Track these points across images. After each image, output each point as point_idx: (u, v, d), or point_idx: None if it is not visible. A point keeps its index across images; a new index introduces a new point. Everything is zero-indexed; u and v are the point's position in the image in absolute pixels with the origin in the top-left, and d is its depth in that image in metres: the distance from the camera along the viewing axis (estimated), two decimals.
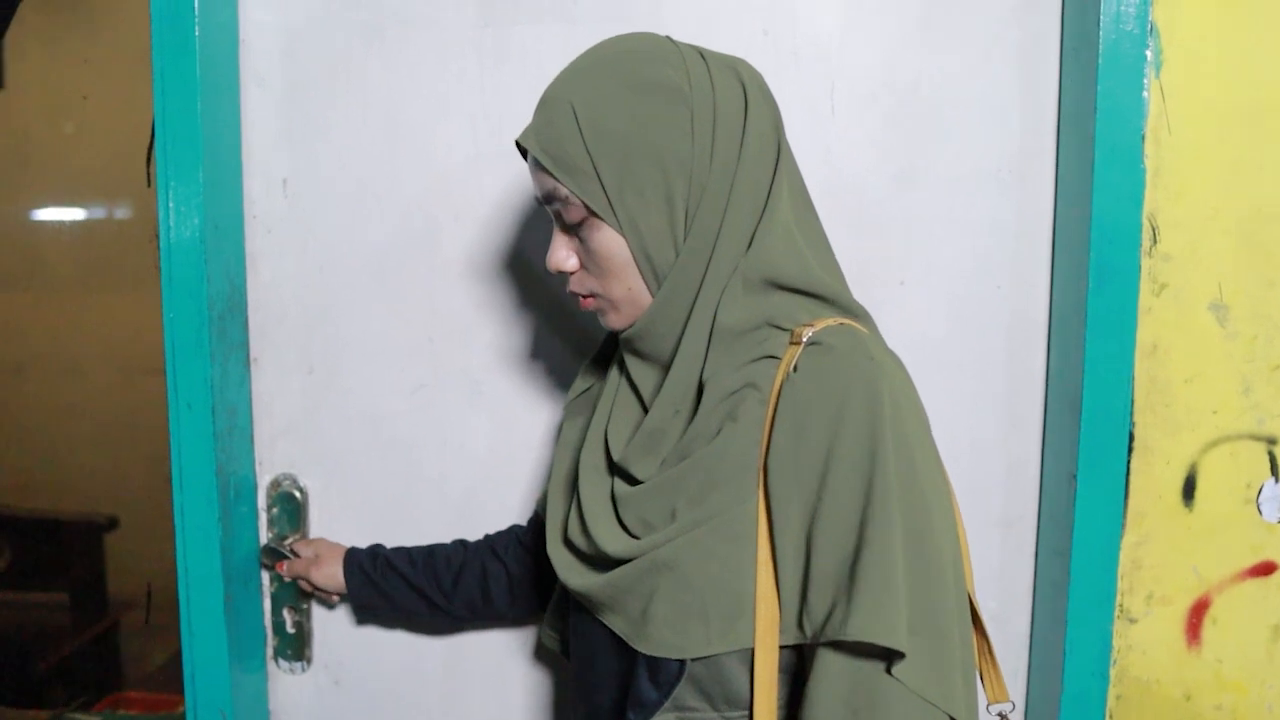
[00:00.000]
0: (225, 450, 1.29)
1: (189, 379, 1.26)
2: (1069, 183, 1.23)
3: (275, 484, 1.37)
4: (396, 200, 1.33)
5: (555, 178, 0.88)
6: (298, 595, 1.38)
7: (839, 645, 0.80)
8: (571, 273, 0.93)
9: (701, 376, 0.89)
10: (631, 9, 1.28)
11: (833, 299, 0.91)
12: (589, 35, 1.28)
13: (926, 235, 1.28)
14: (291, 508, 1.36)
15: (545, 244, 1.31)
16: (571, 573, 0.96)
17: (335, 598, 1.34)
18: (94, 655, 1.97)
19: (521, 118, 1.30)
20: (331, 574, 1.29)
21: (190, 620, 1.29)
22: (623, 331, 0.93)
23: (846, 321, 0.90)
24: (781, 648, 0.85)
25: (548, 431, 1.35)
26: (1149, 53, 1.16)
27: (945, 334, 1.29)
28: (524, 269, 1.33)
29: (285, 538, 1.36)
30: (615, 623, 0.92)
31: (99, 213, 1.57)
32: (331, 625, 1.41)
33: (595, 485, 0.95)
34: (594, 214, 0.88)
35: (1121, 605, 1.24)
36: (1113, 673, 1.25)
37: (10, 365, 1.77)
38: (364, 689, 1.41)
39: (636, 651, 0.90)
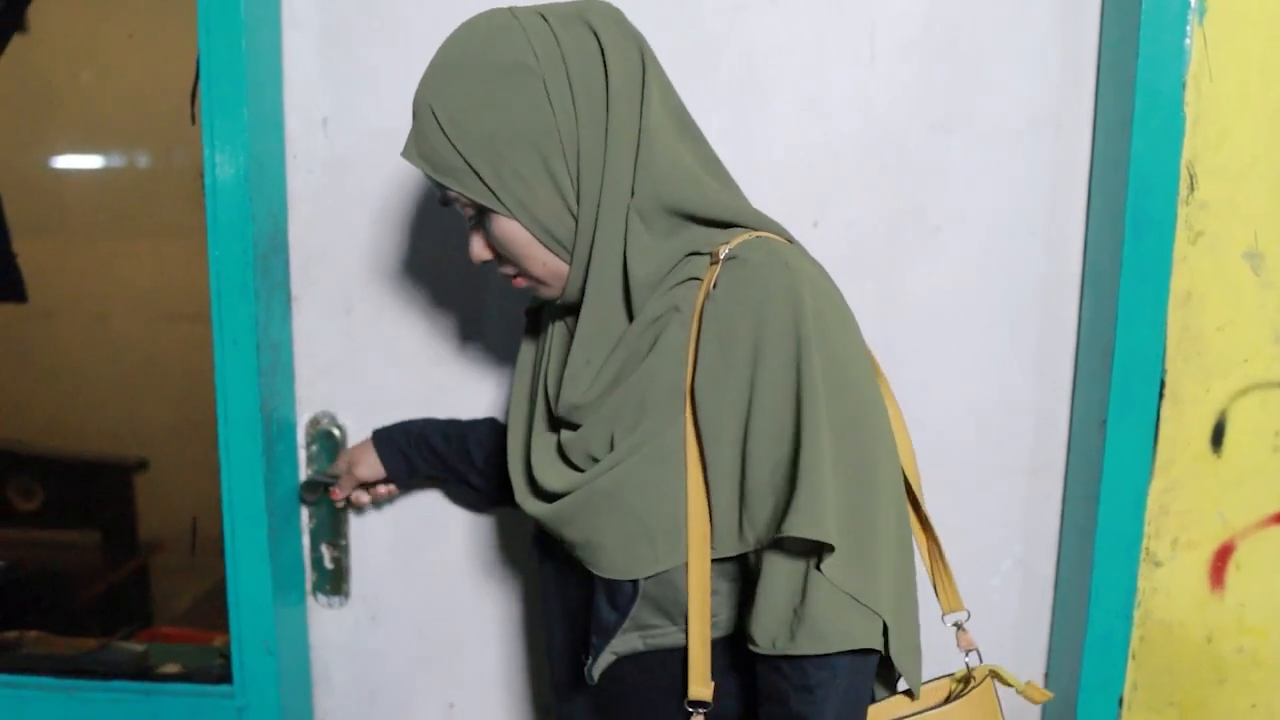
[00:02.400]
0: (269, 387, 1.31)
1: (234, 317, 1.28)
2: (1108, 131, 1.23)
3: (314, 422, 1.39)
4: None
5: (439, 183, 0.91)
6: (336, 531, 1.41)
7: (779, 545, 0.85)
8: (491, 260, 0.96)
9: (622, 315, 0.92)
10: None
11: (744, 222, 0.92)
12: None
13: (963, 184, 1.29)
14: (329, 445, 1.39)
15: None
16: (525, 498, 1.00)
17: (384, 490, 1.33)
18: (128, 592, 2.00)
19: None
20: (372, 464, 1.29)
21: (236, 554, 1.32)
22: (559, 300, 0.96)
23: (763, 234, 0.91)
24: (728, 559, 0.90)
25: None
26: (1193, 1, 1.16)
27: (978, 281, 1.31)
28: None
29: (323, 472, 1.38)
30: (571, 551, 0.96)
31: (128, 160, 1.58)
32: (369, 561, 1.44)
33: (540, 433, 1.00)
34: (485, 208, 0.90)
35: (1147, 549, 1.26)
36: (1137, 615, 1.27)
37: (40, 311, 1.79)
38: (400, 623, 1.45)
39: (594, 577, 0.93)
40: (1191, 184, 1.19)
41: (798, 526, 0.81)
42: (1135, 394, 1.22)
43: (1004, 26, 1.26)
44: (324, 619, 1.46)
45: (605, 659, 0.93)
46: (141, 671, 1.45)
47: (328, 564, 1.42)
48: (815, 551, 0.84)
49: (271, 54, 1.32)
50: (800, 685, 0.85)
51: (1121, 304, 1.20)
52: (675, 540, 0.89)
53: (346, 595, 1.44)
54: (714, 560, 0.90)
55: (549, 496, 0.96)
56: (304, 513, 1.42)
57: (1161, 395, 1.23)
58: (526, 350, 1.11)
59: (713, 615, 0.92)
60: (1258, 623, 1.28)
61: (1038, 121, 1.27)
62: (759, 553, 0.87)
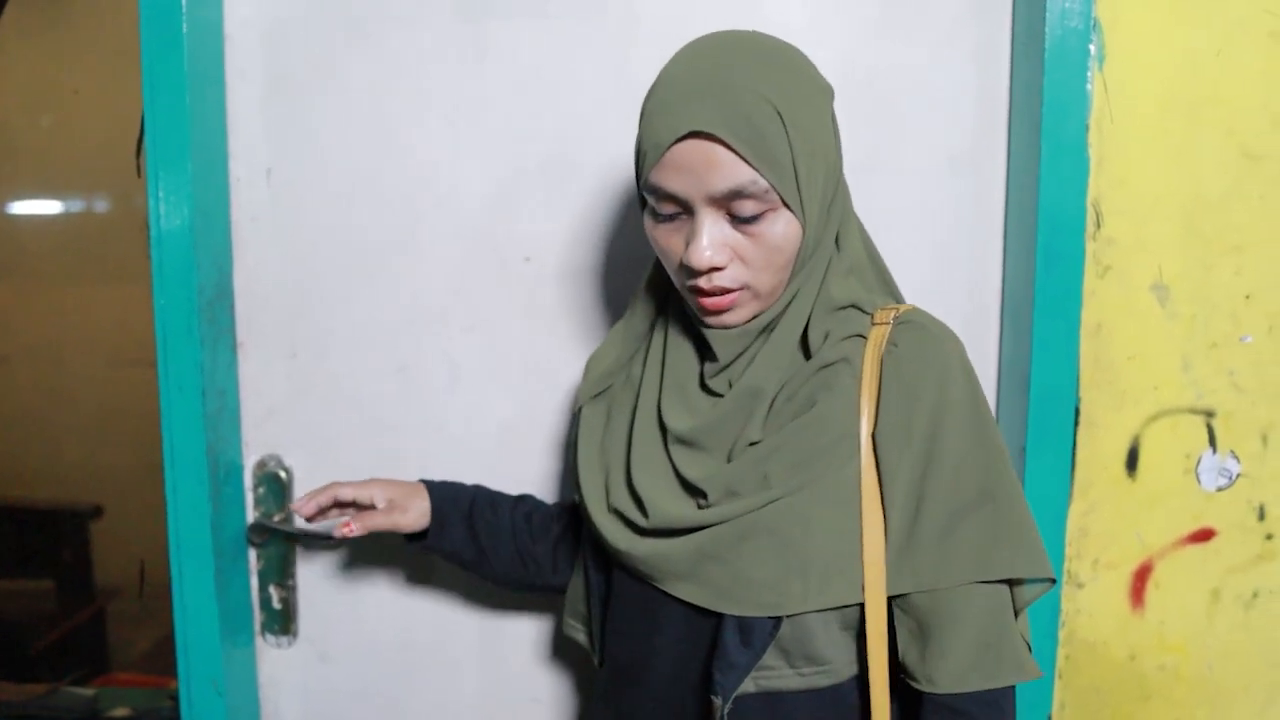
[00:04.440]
0: (214, 431, 1.34)
1: (180, 363, 1.31)
2: (1019, 172, 1.29)
3: (261, 464, 1.42)
4: (378, 190, 1.38)
5: (755, 168, 0.87)
6: (284, 572, 1.43)
7: (974, 585, 0.90)
8: (721, 268, 0.91)
9: (807, 345, 0.97)
10: (605, 4, 1.34)
11: (893, 288, 1.05)
12: (564, 30, 1.33)
13: (886, 223, 1.34)
14: (276, 487, 1.42)
15: (524, 233, 1.37)
16: (630, 541, 0.99)
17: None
18: (83, 640, 2.00)
19: (498, 109, 1.35)
20: (419, 514, 1.21)
21: (183, 596, 1.34)
22: (743, 324, 0.95)
23: (913, 305, 1.00)
24: (855, 605, 0.93)
25: (523, 411, 1.40)
26: (1093, 47, 1.23)
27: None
28: (502, 256, 1.38)
29: (272, 515, 1.41)
30: (687, 590, 0.96)
31: (83, 205, 1.60)
32: (316, 600, 1.46)
33: (651, 459, 1.00)
34: (785, 205, 0.90)
35: (1069, 571, 1.31)
36: (1061, 635, 1.32)
37: None
38: (350, 662, 1.47)
39: (718, 616, 0.94)
40: (1098, 221, 1.25)
41: (1017, 567, 0.91)
42: (1052, 421, 1.27)
43: (920, 70, 1.32)
44: (273, 659, 1.47)
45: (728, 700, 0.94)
46: (91, 716, 1.46)
47: (276, 604, 1.44)
48: (1008, 587, 0.93)
49: (215, 106, 1.36)
50: (991, 716, 0.92)
51: (1036, 336, 1.25)
52: (826, 580, 0.91)
53: (295, 635, 1.46)
54: (847, 605, 0.93)
55: (668, 533, 0.97)
56: (252, 554, 1.44)
57: (1077, 422, 1.28)
58: (594, 414, 1.10)
59: (825, 663, 0.95)
60: (1178, 640, 1.33)
61: (956, 163, 1.33)
62: (931, 594, 0.91)
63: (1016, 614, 0.95)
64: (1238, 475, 1.29)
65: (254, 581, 1.44)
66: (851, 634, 0.96)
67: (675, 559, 0.96)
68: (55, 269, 1.73)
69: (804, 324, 0.96)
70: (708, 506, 0.95)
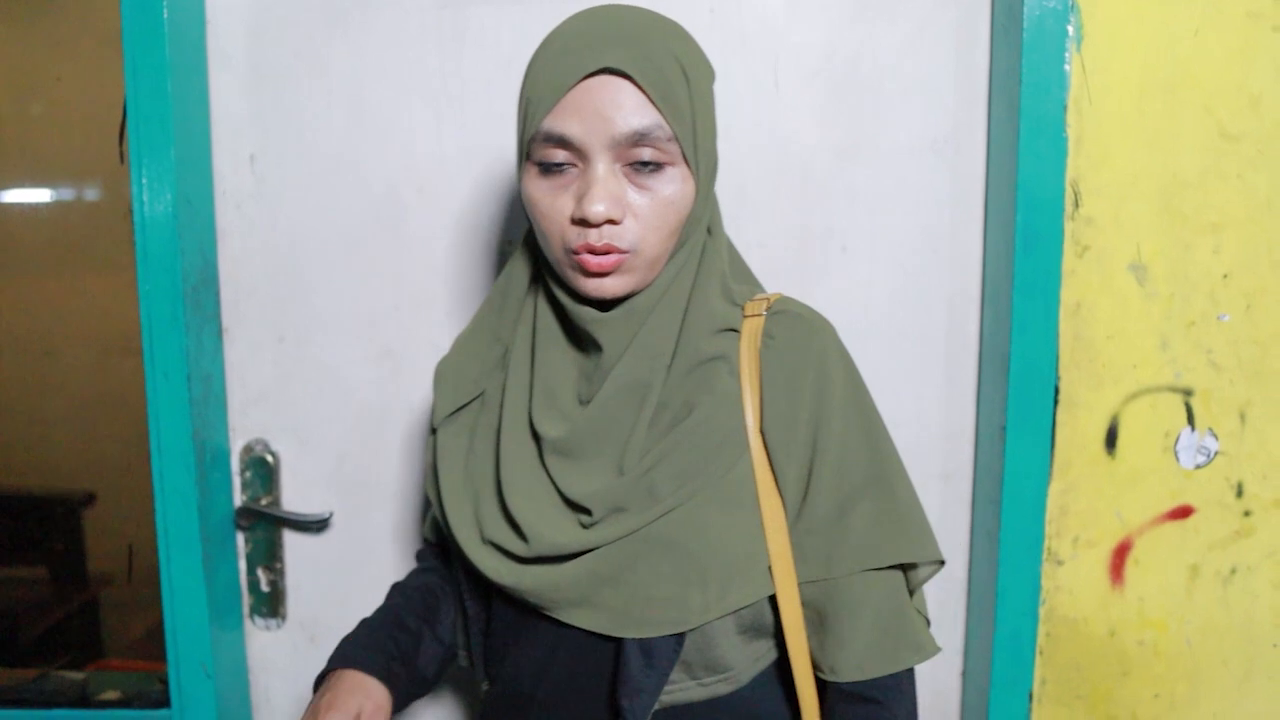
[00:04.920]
0: (201, 417, 1.35)
1: (165, 349, 1.31)
2: (998, 153, 1.30)
3: (248, 449, 1.43)
4: (362, 176, 1.39)
5: (662, 114, 0.85)
6: (272, 555, 1.44)
7: (867, 572, 0.90)
8: (611, 222, 0.86)
9: (677, 341, 0.92)
10: None
11: (754, 277, 1.04)
12: (543, 14, 1.34)
13: (868, 205, 1.35)
14: (263, 472, 1.43)
15: (506, 217, 1.38)
16: (513, 573, 0.92)
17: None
18: (76, 626, 2.01)
19: (480, 94, 1.36)
20: (380, 699, 0.96)
21: (171, 580, 1.35)
22: (622, 298, 0.90)
23: (780, 294, 0.99)
24: (746, 607, 0.91)
25: None
26: (1070, 29, 1.23)
27: (887, 299, 1.37)
28: (485, 240, 1.39)
29: (259, 499, 1.42)
30: (582, 616, 0.90)
31: (69, 194, 1.60)
32: (305, 583, 1.47)
33: (526, 478, 0.92)
34: (685, 160, 0.88)
35: (1049, 549, 1.32)
36: (1042, 612, 1.33)
37: None
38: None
39: (617, 641, 0.90)
40: (1076, 201, 1.26)
41: (907, 552, 0.91)
42: (1032, 401, 1.28)
43: (901, 54, 1.33)
44: (263, 641, 1.49)
45: None
46: (80, 699, 1.47)
47: (264, 587, 1.45)
48: (900, 570, 0.93)
49: (199, 94, 1.36)
50: (895, 698, 0.92)
51: (1015, 316, 1.26)
52: (726, 585, 0.88)
53: (284, 618, 1.47)
54: (737, 610, 0.90)
55: (554, 559, 0.90)
56: (240, 538, 1.45)
57: (1056, 401, 1.29)
58: (451, 437, 1.00)
59: (726, 669, 0.92)
60: (1157, 616, 1.34)
61: (937, 144, 1.34)
62: (825, 583, 0.91)
63: (911, 593, 0.95)
64: (1216, 453, 1.30)
65: (242, 565, 1.45)
66: (749, 635, 0.93)
67: (566, 586, 0.90)
68: (43, 258, 1.73)
69: (683, 311, 0.92)
70: (593, 524, 0.89)
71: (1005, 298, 1.28)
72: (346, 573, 1.47)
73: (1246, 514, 1.31)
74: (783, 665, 0.97)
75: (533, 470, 0.92)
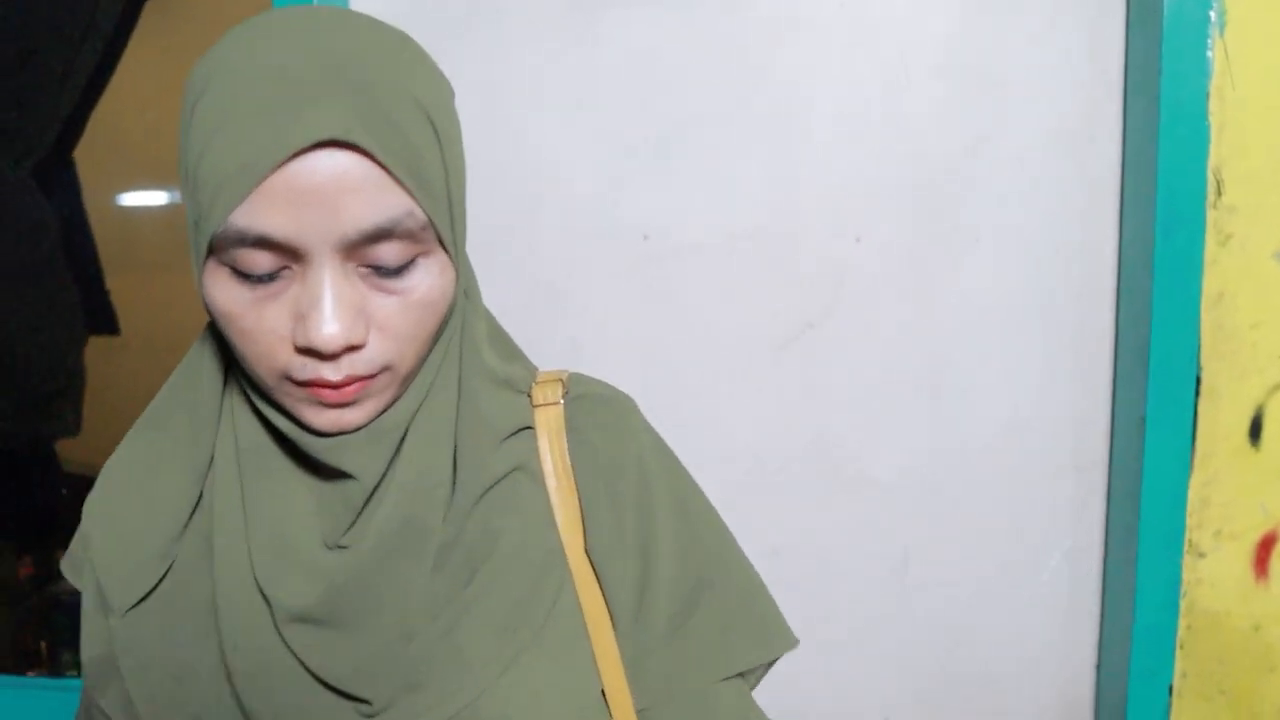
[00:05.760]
0: None
1: None
2: (1135, 142, 1.29)
3: None
4: (491, 177, 1.43)
5: (413, 195, 0.60)
6: None
7: (714, 688, 0.74)
8: (359, 346, 0.61)
9: (455, 460, 0.69)
10: None
11: (518, 348, 0.81)
12: (678, 16, 1.36)
13: (998, 197, 1.35)
14: None
15: (648, 210, 1.40)
16: None
17: None
18: None
19: (610, 98, 1.39)
20: None
21: None
22: (367, 423, 0.65)
23: (566, 372, 0.80)
24: None
25: (643, 388, 1.44)
26: (1213, 14, 1.22)
27: (1016, 291, 1.36)
28: (620, 239, 1.42)
29: None
30: None
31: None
32: None
33: (264, 666, 0.67)
34: (440, 244, 0.64)
35: (1190, 540, 1.31)
36: (1182, 605, 1.32)
37: (115, 342, 1.88)
38: None
39: None
40: (1219, 189, 1.24)
41: (755, 654, 0.76)
42: (1172, 392, 1.27)
43: (1032, 44, 1.32)
44: None
45: None
46: None
47: None
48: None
49: None
50: None
51: (1155, 306, 1.25)
52: None
53: None
54: None
55: None
56: None
57: (1198, 392, 1.28)
58: (138, 628, 0.71)
59: None
60: None
61: (1068, 135, 1.33)
62: (671, 707, 0.74)
63: (753, 685, 0.79)
64: None
65: None
66: None
67: None
68: (166, 259, 1.80)
69: (454, 419, 0.69)
70: (375, 715, 0.66)
71: (1145, 288, 1.27)
72: None
73: None
74: None
75: (273, 653, 0.66)
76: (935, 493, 1.42)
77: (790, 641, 0.78)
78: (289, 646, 0.66)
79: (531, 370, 0.79)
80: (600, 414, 0.76)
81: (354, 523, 0.66)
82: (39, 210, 1.61)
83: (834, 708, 1.47)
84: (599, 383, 0.79)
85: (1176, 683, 1.34)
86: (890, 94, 1.35)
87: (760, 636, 0.77)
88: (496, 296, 1.44)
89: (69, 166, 1.61)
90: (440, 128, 0.63)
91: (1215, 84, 1.23)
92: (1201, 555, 1.31)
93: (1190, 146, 1.22)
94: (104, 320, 1.65)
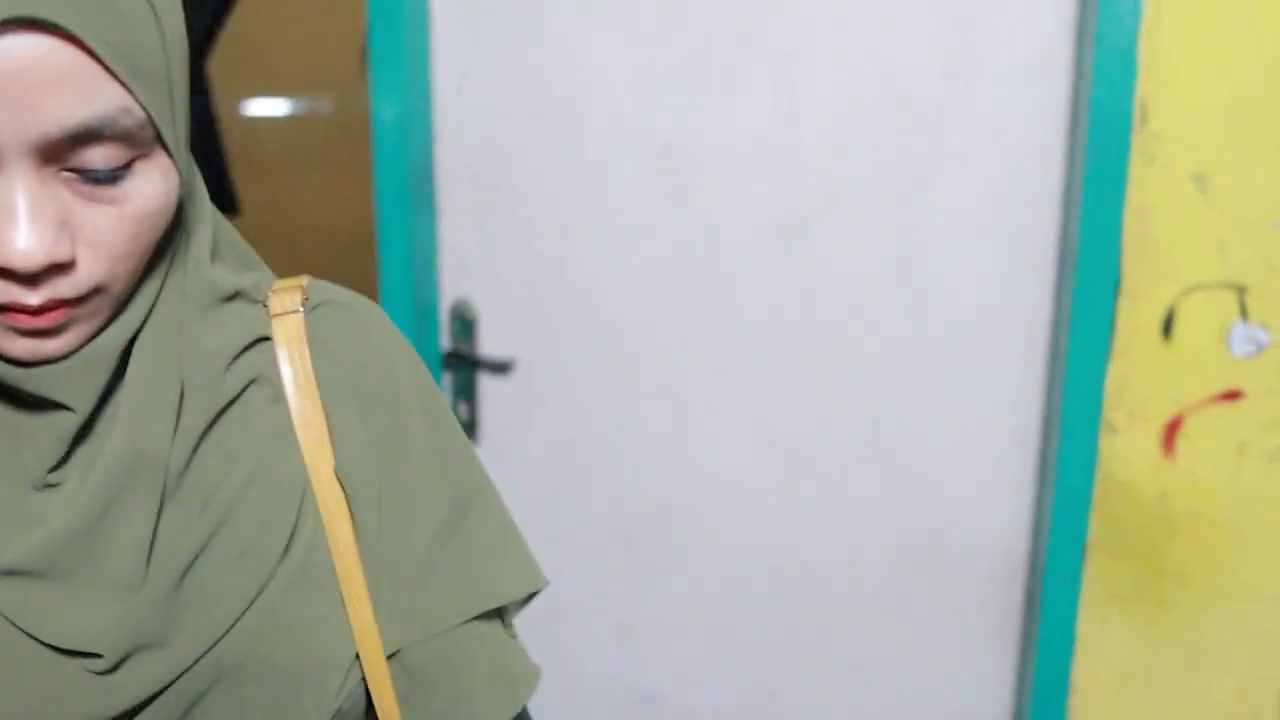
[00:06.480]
0: (420, 279, 1.74)
1: (391, 226, 1.70)
2: (1081, 76, 1.50)
3: (455, 305, 1.81)
4: (544, 95, 1.72)
5: (129, 88, 0.52)
6: (470, 392, 1.83)
7: (472, 628, 0.70)
8: (66, 264, 0.53)
9: (182, 383, 0.61)
10: None
11: (253, 254, 0.73)
12: None
13: (969, 121, 1.57)
14: (465, 324, 1.81)
15: (669, 120, 1.68)
16: None
17: None
18: None
19: (639, 24, 1.66)
20: None
21: None
22: (77, 349, 0.57)
23: (307, 278, 0.74)
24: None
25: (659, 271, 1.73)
26: None
27: (982, 201, 1.59)
28: (653, 151, 1.70)
29: (461, 346, 1.80)
30: None
31: (306, 106, 1.97)
32: (493, 415, 1.85)
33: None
34: (161, 144, 0.56)
35: (1106, 419, 1.53)
36: (1098, 474, 1.55)
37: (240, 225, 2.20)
38: (523, 465, 1.86)
39: None
40: (1145, 117, 1.45)
41: (513, 588, 0.72)
42: (1096, 291, 1.49)
43: None
44: None
45: None
46: None
47: (463, 417, 1.84)
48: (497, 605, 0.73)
49: (422, 20, 1.72)
50: None
51: (1084, 216, 1.47)
52: (323, 695, 0.65)
53: (477, 442, 1.86)
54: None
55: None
56: (446, 376, 1.84)
57: (1118, 292, 1.49)
58: None
59: None
60: (1206, 486, 1.53)
61: (1029, 68, 1.54)
62: (428, 642, 0.69)
63: (505, 619, 0.76)
64: (1267, 344, 1.48)
65: (447, 399, 1.85)
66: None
67: None
68: (284, 163, 2.09)
69: (176, 332, 0.62)
70: (109, 672, 0.58)
71: (1076, 201, 1.48)
72: (528, 406, 1.84)
73: None
74: None
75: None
76: (905, 370, 1.67)
77: (540, 581, 0.74)
78: None
79: (268, 279, 0.72)
80: (344, 322, 0.70)
81: (65, 458, 0.58)
82: None
83: (808, 556, 1.76)
84: (341, 290, 0.73)
85: (1091, 540, 1.58)
86: (885, 30, 1.58)
87: (523, 567, 0.74)
88: (549, 193, 1.74)
89: (202, 75, 1.94)
90: (159, 6, 0.54)
91: (1146, 26, 1.42)
92: (1116, 432, 1.54)
93: (1121, 80, 1.43)
94: (227, 201, 1.99)
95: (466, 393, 1.84)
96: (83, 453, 0.59)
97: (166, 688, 0.60)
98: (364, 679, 0.67)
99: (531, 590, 0.74)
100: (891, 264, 1.65)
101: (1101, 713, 1.62)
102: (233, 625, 0.62)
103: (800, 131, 1.64)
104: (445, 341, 1.84)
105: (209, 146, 1.90)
